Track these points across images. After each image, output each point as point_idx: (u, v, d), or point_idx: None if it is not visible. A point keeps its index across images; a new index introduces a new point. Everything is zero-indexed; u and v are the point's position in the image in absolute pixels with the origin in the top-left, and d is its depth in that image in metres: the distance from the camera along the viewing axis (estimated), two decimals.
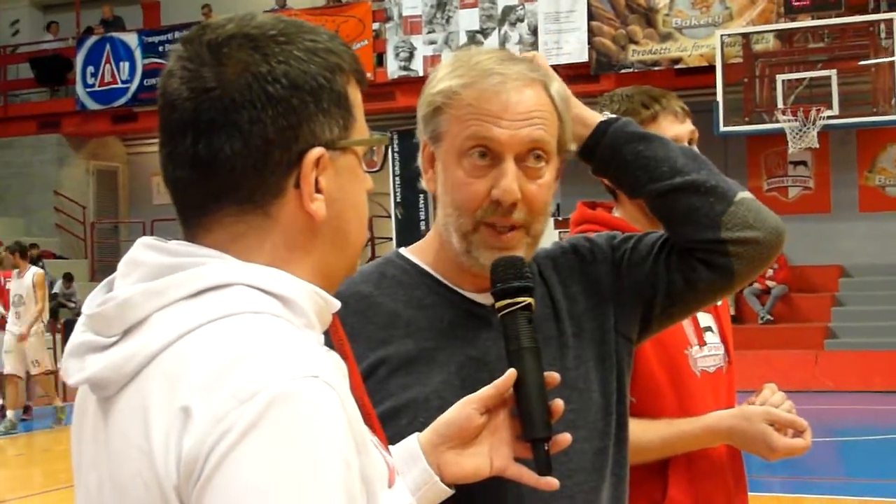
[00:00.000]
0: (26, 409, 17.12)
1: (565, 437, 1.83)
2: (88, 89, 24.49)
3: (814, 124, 17.14)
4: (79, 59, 24.65)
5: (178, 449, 1.25)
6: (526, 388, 1.82)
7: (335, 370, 1.32)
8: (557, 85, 2.08)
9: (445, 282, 2.09)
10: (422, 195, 21.91)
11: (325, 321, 1.45)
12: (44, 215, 25.61)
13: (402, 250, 2.18)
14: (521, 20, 20.58)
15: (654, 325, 2.22)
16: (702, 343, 2.94)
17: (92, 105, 24.50)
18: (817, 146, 17.55)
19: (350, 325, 1.92)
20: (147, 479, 1.28)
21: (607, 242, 2.23)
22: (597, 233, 2.31)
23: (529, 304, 1.88)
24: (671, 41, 19.56)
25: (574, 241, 2.25)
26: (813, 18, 18.45)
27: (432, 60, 20.91)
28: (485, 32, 20.83)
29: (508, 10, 20.66)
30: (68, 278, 22.72)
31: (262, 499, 1.21)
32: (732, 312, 18.19)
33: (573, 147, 2.14)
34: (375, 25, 21.93)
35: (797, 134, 17.23)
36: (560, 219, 18.42)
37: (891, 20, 17.57)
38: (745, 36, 18.59)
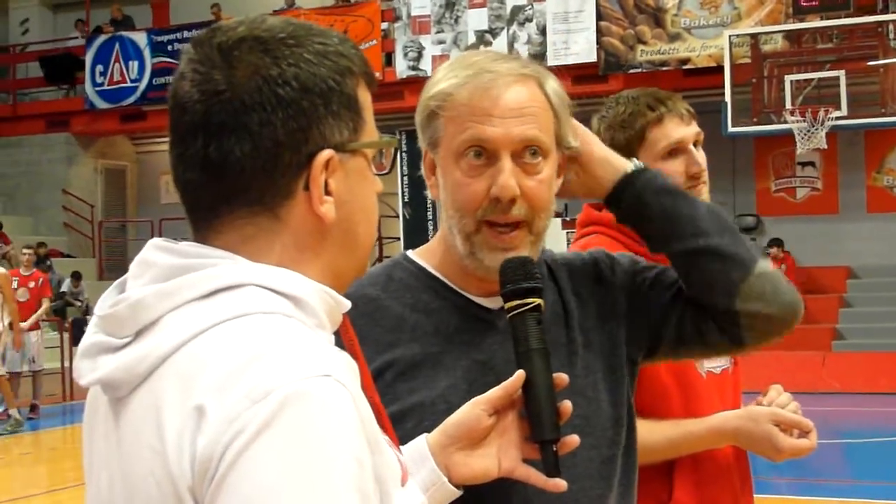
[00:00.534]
0: (33, 408, 17.15)
1: (573, 439, 1.83)
2: (97, 88, 24.53)
3: (822, 125, 17.11)
4: (88, 58, 24.69)
5: (193, 448, 1.26)
6: (535, 389, 1.82)
7: (347, 369, 1.32)
8: (553, 82, 2.08)
9: (452, 285, 2.09)
10: (429, 195, 21.82)
11: (336, 321, 1.45)
12: (52, 214, 25.66)
13: (410, 253, 2.18)
14: (530, 20, 20.57)
15: (658, 357, 2.24)
16: None
17: (101, 104, 24.54)
18: (825, 147, 17.53)
19: (358, 327, 1.93)
20: (160, 479, 1.29)
21: (630, 266, 2.23)
22: (620, 252, 2.30)
23: (539, 305, 1.88)
24: (680, 41, 19.54)
25: (596, 255, 2.25)
26: (821, 19, 18.41)
27: (441, 60, 20.89)
28: (493, 32, 20.83)
29: (517, 10, 20.66)
30: (76, 277, 22.76)
31: (276, 497, 1.22)
32: None
33: (574, 143, 2.13)
34: (384, 25, 21.95)
35: (805, 134, 17.20)
36: (568, 219, 18.42)
37: None
38: (754, 36, 18.56)
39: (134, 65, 24.21)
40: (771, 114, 17.98)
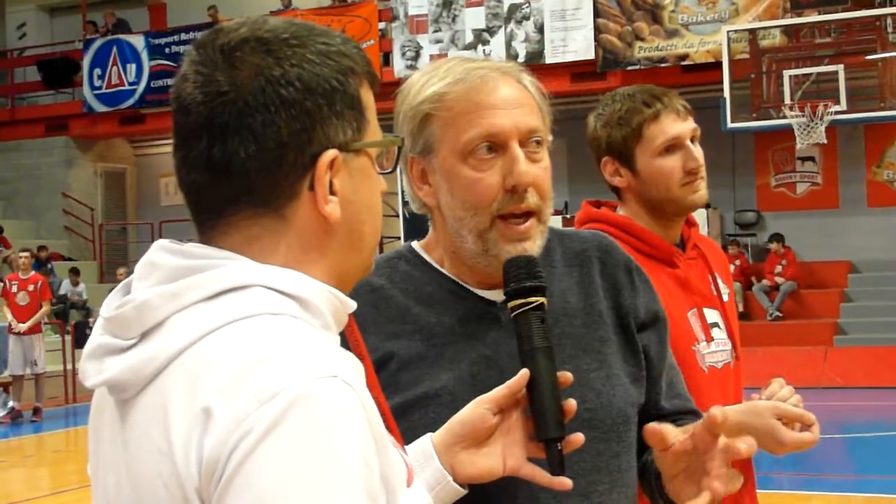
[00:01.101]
0: (36, 411, 17.18)
1: (578, 437, 1.82)
2: (95, 91, 24.53)
3: (821, 120, 17.12)
4: (85, 62, 24.68)
5: (200, 450, 1.26)
6: (539, 387, 1.82)
7: (353, 370, 1.32)
8: (529, 76, 2.09)
9: (455, 279, 2.10)
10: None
11: (341, 322, 1.45)
12: (52, 217, 25.66)
13: (415, 245, 2.18)
14: (527, 18, 20.57)
15: None
16: (709, 339, 2.95)
17: (99, 107, 24.54)
18: (825, 142, 17.54)
19: (361, 314, 1.92)
20: (167, 481, 1.29)
21: (654, 304, 2.24)
22: (651, 284, 2.28)
23: (542, 303, 1.88)
24: (677, 38, 19.54)
25: (635, 266, 2.25)
26: (819, 13, 18.42)
27: (438, 59, 20.87)
28: (491, 31, 20.83)
29: (514, 8, 20.65)
30: (75, 272, 22.74)
31: (283, 498, 1.22)
32: (741, 309, 18.18)
33: (549, 138, 2.13)
34: (381, 25, 21.95)
35: (805, 129, 17.21)
36: (568, 216, 18.43)
37: None
38: (752, 32, 18.56)
39: (132, 68, 24.21)
40: (770, 109, 17.99)
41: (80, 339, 19.02)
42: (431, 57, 20.96)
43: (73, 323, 20.15)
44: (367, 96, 1.48)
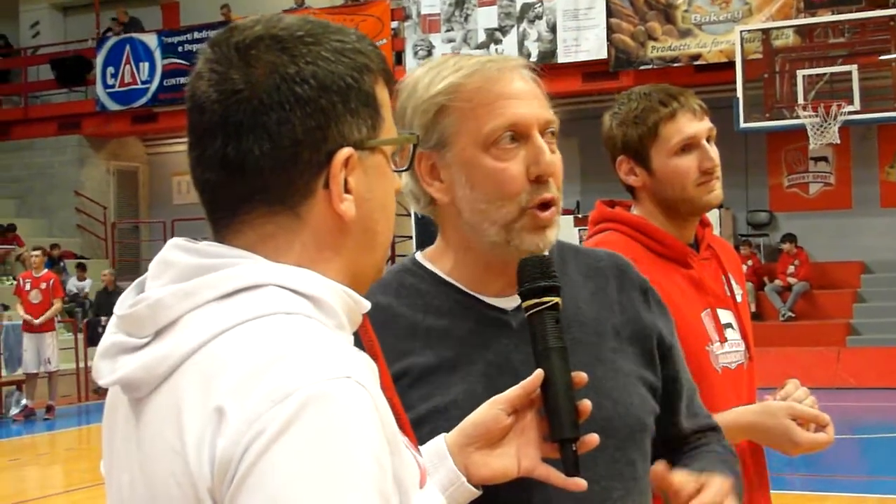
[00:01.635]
0: (48, 409, 17.23)
1: (593, 438, 1.81)
2: (108, 90, 24.58)
3: (834, 120, 17.09)
4: (98, 60, 24.74)
5: (212, 450, 1.26)
6: (553, 388, 1.80)
7: (367, 371, 1.32)
8: (528, 72, 2.08)
9: (463, 288, 2.08)
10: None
11: (356, 322, 1.45)
12: (65, 216, 25.72)
13: (418, 256, 2.16)
14: (540, 17, 20.56)
15: None
16: (723, 340, 2.94)
17: (112, 106, 24.59)
18: (838, 142, 17.50)
19: None
20: (180, 480, 1.28)
21: (669, 326, 2.24)
22: (665, 305, 2.27)
23: (556, 303, 1.87)
24: (690, 37, 19.51)
25: (650, 288, 2.24)
26: (833, 13, 18.39)
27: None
28: (503, 30, 20.83)
29: (527, 7, 20.65)
30: (81, 268, 22.78)
31: (296, 499, 1.21)
32: (753, 309, 18.15)
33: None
34: (394, 24, 21.96)
35: (818, 130, 17.17)
36: (580, 216, 18.41)
37: None
38: (765, 31, 18.53)
39: (145, 66, 24.25)
40: (783, 109, 17.96)
41: (92, 338, 19.07)
42: (444, 56, 20.93)
43: (86, 321, 20.18)
44: (383, 93, 1.48)
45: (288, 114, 1.38)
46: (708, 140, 2.94)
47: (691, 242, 3.03)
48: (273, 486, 1.22)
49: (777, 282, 19.79)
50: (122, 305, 1.41)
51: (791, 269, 19.82)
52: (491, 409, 1.82)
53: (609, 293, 2.16)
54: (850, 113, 17.16)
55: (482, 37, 20.95)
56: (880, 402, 15.92)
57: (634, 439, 2.06)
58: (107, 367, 1.39)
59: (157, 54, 24.16)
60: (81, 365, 18.93)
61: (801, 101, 17.54)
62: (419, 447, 1.75)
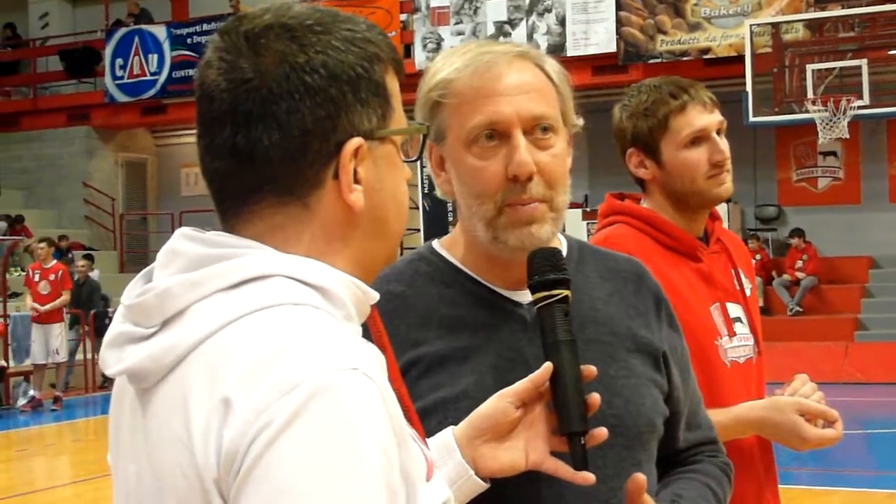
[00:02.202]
0: (56, 400, 17.26)
1: (601, 432, 1.80)
2: (117, 81, 24.60)
3: (844, 114, 17.04)
4: (107, 52, 24.75)
5: (219, 440, 1.25)
6: (562, 381, 1.80)
7: (375, 362, 1.31)
8: (552, 61, 2.07)
9: (478, 278, 2.07)
10: (439, 193, 21.76)
11: (364, 313, 1.44)
12: (73, 207, 25.74)
13: (435, 244, 2.16)
14: (549, 11, 20.53)
15: None
16: (732, 334, 2.93)
17: (121, 97, 24.60)
18: (847, 136, 17.46)
19: (383, 325, 1.93)
20: (187, 471, 1.28)
21: (676, 338, 2.23)
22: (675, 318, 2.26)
23: (566, 296, 1.86)
24: (700, 31, 19.48)
25: (664, 299, 2.23)
26: (843, 7, 18.34)
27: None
28: (512, 23, 20.81)
29: (536, 0, 20.62)
30: (88, 259, 22.77)
31: (302, 490, 1.21)
32: (761, 304, 18.13)
33: (578, 122, 2.11)
34: (403, 16, 21.94)
35: (827, 124, 17.13)
36: (588, 210, 18.39)
37: None
38: (775, 25, 18.49)
39: (153, 58, 24.26)
40: (792, 103, 17.92)
41: (98, 329, 19.09)
42: (453, 49, 20.92)
43: (93, 312, 20.19)
44: (393, 83, 1.47)
45: (297, 103, 1.37)
46: (718, 133, 2.93)
47: (701, 236, 3.02)
48: (279, 477, 1.21)
49: (785, 276, 19.76)
50: (129, 295, 1.41)
51: (799, 263, 19.80)
52: (499, 402, 1.82)
53: (625, 296, 2.15)
54: (859, 107, 17.11)
55: (491, 29, 20.92)
56: (888, 397, 15.90)
57: (642, 440, 2.05)
58: (113, 357, 1.39)
59: (166, 46, 24.16)
60: (89, 356, 18.95)
61: (810, 95, 17.50)
62: (427, 439, 1.75)
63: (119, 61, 24.58)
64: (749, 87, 17.80)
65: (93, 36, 25.93)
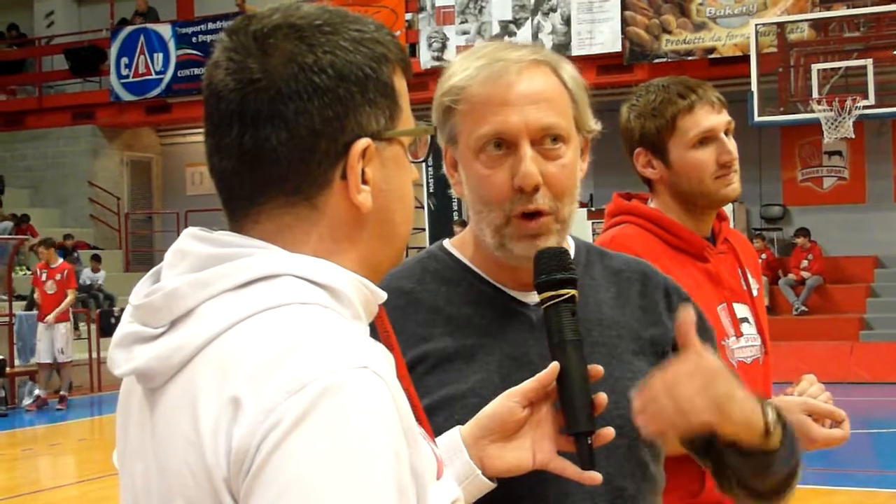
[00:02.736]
0: (61, 399, 17.26)
1: (608, 431, 1.81)
2: (122, 80, 24.62)
3: (849, 114, 17.03)
4: (113, 51, 24.77)
5: (228, 440, 1.25)
6: (569, 380, 1.80)
7: (384, 361, 1.31)
8: (568, 67, 2.06)
9: (487, 278, 2.08)
10: (454, 193, 21.82)
11: (372, 312, 1.44)
12: (78, 206, 25.77)
13: (446, 243, 2.16)
14: (554, 10, 20.53)
15: None
16: (739, 334, 2.93)
17: (126, 96, 24.63)
18: (853, 136, 17.44)
19: (391, 321, 1.93)
20: (195, 470, 1.28)
21: (703, 327, 2.16)
22: (697, 307, 2.20)
23: (573, 296, 1.86)
24: (705, 31, 19.47)
25: (675, 286, 2.22)
26: (848, 7, 18.33)
27: (465, 51, 20.85)
28: (517, 22, 20.80)
29: (541, 0, 20.62)
30: (96, 259, 22.77)
31: (313, 489, 1.21)
32: (767, 304, 18.11)
33: (596, 127, 2.10)
34: (408, 16, 21.94)
35: (832, 124, 17.12)
36: (593, 209, 18.38)
37: None
38: (780, 25, 18.48)
39: (159, 56, 24.28)
40: (798, 103, 17.91)
41: (105, 328, 19.10)
42: (458, 48, 20.95)
43: (98, 311, 20.20)
44: (401, 84, 1.47)
45: (306, 103, 1.37)
46: (726, 133, 2.93)
47: (708, 236, 3.02)
48: (289, 476, 1.22)
49: (791, 276, 19.75)
50: (137, 295, 1.41)
51: (804, 263, 19.78)
52: (506, 402, 1.82)
53: (632, 297, 2.14)
54: (864, 107, 17.10)
55: (496, 29, 20.92)
56: (893, 396, 15.88)
57: (646, 440, 2.04)
58: (122, 357, 1.39)
59: (172, 45, 24.18)
60: (95, 355, 18.95)
61: (815, 95, 17.49)
62: (434, 438, 1.75)
63: (124, 60, 24.60)
64: (754, 87, 17.79)
65: (98, 35, 25.95)
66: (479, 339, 2.02)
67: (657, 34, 19.76)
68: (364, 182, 1.41)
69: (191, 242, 1.41)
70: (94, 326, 19.53)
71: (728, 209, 3.06)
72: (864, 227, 20.31)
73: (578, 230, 2.15)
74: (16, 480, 11.92)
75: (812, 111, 17.43)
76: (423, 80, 20.18)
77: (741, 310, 2.97)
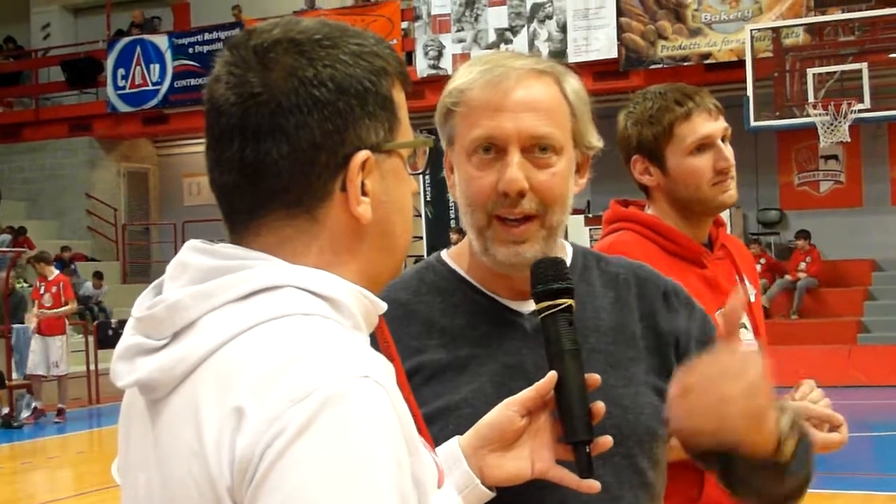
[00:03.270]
0: (59, 412, 17.24)
1: (606, 440, 1.81)
2: (119, 92, 24.63)
3: (845, 118, 17.06)
4: (109, 62, 24.78)
5: (231, 449, 1.26)
6: (567, 390, 1.81)
7: (384, 371, 1.32)
8: (573, 80, 2.07)
9: (482, 288, 2.09)
10: (451, 196, 21.87)
11: (372, 323, 1.45)
12: (76, 218, 25.77)
13: (444, 254, 2.17)
14: (550, 17, 20.56)
15: None
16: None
17: (122, 107, 24.64)
18: (848, 140, 17.48)
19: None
20: (199, 480, 1.29)
21: (700, 327, 2.19)
22: (700, 308, 2.23)
23: (570, 305, 1.87)
24: (700, 36, 19.50)
25: (675, 288, 2.21)
26: (843, 11, 18.37)
27: (461, 59, 20.90)
28: (513, 30, 20.83)
29: (537, 7, 20.65)
30: (98, 276, 22.77)
31: (315, 497, 1.22)
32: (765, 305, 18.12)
33: (597, 143, 2.10)
34: (404, 24, 21.98)
35: (828, 128, 17.15)
36: (590, 216, 18.39)
37: None
38: (775, 30, 18.52)
39: (155, 68, 24.28)
40: (793, 107, 17.95)
41: (102, 340, 19.07)
42: (454, 56, 20.99)
43: (96, 324, 20.18)
44: (400, 97, 1.48)
45: (306, 117, 1.38)
46: (723, 140, 2.94)
47: (705, 242, 3.02)
48: (293, 485, 1.23)
49: (787, 277, 19.75)
50: (140, 307, 1.42)
51: (802, 265, 19.79)
52: (505, 411, 1.83)
53: (629, 302, 2.15)
54: (860, 111, 17.14)
55: (493, 37, 20.95)
56: (891, 399, 15.88)
57: (643, 448, 2.05)
58: (124, 369, 1.40)
59: (168, 56, 24.18)
60: (93, 367, 18.94)
61: (811, 99, 17.52)
62: (434, 447, 1.76)
63: (121, 71, 24.61)
64: (750, 92, 17.82)
65: (94, 46, 25.97)
66: (472, 350, 2.02)
67: (653, 40, 19.79)
68: (364, 194, 1.42)
69: (192, 255, 1.42)
70: (91, 338, 19.50)
71: (725, 214, 3.06)
72: (862, 231, 20.33)
73: (575, 237, 2.16)
74: (16, 494, 11.91)
75: (808, 115, 17.46)
76: (420, 89, 20.22)
77: None
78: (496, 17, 21.00)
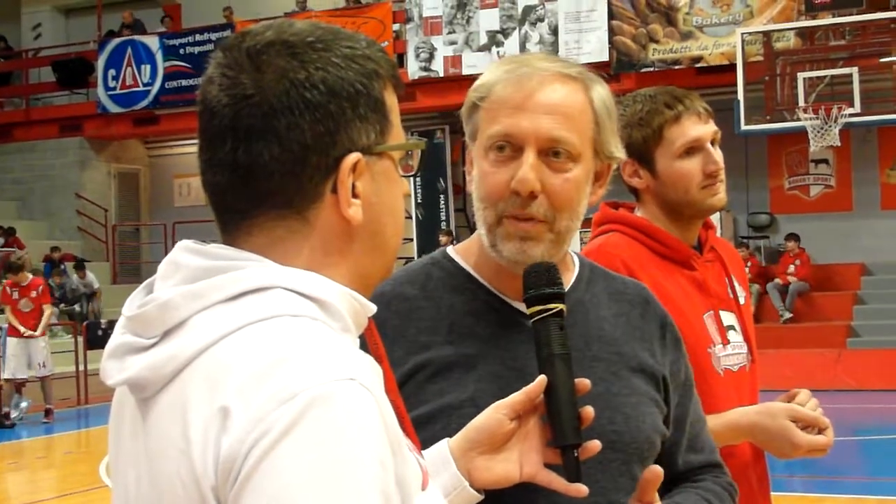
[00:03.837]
0: (47, 412, 17.20)
1: (595, 444, 1.82)
2: (110, 92, 24.61)
3: (835, 122, 17.11)
4: (100, 63, 24.76)
5: (217, 449, 1.27)
6: (556, 394, 1.81)
7: (371, 373, 1.33)
8: (601, 89, 2.07)
9: (489, 287, 2.09)
10: (441, 196, 21.93)
11: (361, 325, 1.46)
12: (66, 218, 25.75)
13: (450, 250, 2.17)
14: (542, 20, 20.58)
15: None
16: (725, 342, 2.94)
17: (113, 108, 24.62)
18: (839, 144, 17.52)
19: (392, 326, 1.97)
20: (185, 479, 1.30)
21: (685, 372, 2.24)
22: (685, 352, 2.28)
23: (561, 310, 1.87)
24: (692, 40, 19.54)
25: (671, 322, 2.24)
26: (834, 16, 18.41)
27: (452, 61, 20.94)
28: (505, 32, 20.85)
29: (528, 9, 20.67)
30: (80, 267, 22.66)
31: (299, 498, 1.22)
32: (754, 311, 18.14)
33: (619, 154, 2.10)
34: (396, 26, 21.99)
35: (818, 132, 17.19)
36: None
37: None
38: (766, 34, 18.56)
39: (146, 68, 24.27)
40: (784, 111, 17.99)
41: (92, 340, 19.04)
42: (445, 59, 21.00)
43: (86, 324, 20.14)
44: (391, 99, 1.49)
45: (297, 119, 1.39)
46: (712, 143, 2.94)
47: (695, 244, 3.03)
48: (277, 485, 1.23)
49: (777, 280, 19.78)
50: (130, 306, 1.42)
51: (791, 268, 19.82)
52: (494, 414, 1.83)
53: (632, 319, 2.16)
54: (850, 115, 17.19)
55: (484, 39, 20.96)
56: (880, 403, 15.93)
57: (641, 457, 2.06)
58: (114, 368, 1.41)
59: (159, 56, 24.17)
60: (81, 367, 18.90)
61: (801, 103, 17.56)
62: (425, 447, 1.77)
63: (112, 72, 24.60)
64: (741, 96, 17.86)
65: (85, 47, 25.96)
66: (479, 349, 2.03)
67: (644, 43, 19.81)
68: (355, 196, 1.42)
69: (184, 255, 1.42)
70: (80, 339, 19.46)
71: (715, 218, 3.06)
72: (851, 235, 20.37)
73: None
74: (2, 494, 11.89)
75: (798, 119, 17.51)
76: (412, 91, 20.24)
77: (728, 317, 2.98)
78: (488, 20, 21.01)
